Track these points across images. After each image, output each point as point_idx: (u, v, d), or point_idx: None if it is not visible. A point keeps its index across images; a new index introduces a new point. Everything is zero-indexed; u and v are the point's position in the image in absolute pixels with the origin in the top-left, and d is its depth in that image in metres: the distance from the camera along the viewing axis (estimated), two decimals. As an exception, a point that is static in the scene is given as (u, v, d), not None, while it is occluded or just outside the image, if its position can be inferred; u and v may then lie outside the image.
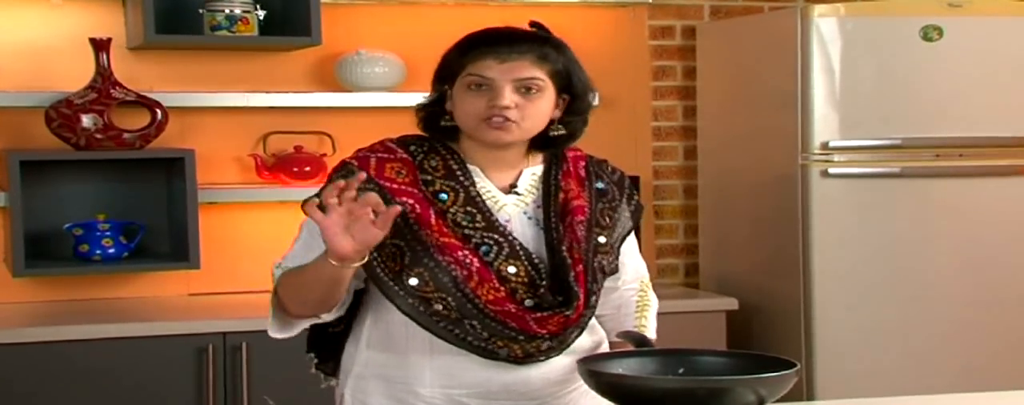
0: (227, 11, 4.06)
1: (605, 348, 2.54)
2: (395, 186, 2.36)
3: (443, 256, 2.32)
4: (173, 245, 4.16)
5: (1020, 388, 3.75)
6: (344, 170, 2.39)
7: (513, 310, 2.33)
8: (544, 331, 2.36)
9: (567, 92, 2.42)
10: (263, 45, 4.23)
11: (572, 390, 2.45)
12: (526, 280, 2.35)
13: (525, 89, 2.36)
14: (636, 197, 2.60)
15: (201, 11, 4.08)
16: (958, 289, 4.26)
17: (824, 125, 4.17)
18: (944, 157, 4.24)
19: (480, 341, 2.35)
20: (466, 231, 2.35)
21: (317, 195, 2.35)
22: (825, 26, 4.15)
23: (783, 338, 4.29)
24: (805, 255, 4.20)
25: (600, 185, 2.52)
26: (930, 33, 4.18)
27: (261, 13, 4.11)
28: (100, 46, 3.99)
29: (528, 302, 2.34)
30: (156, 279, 4.26)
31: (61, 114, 3.95)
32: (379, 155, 2.41)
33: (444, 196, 2.37)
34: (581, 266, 2.39)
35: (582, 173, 2.51)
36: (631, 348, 2.46)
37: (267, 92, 4.23)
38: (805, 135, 4.18)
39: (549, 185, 2.45)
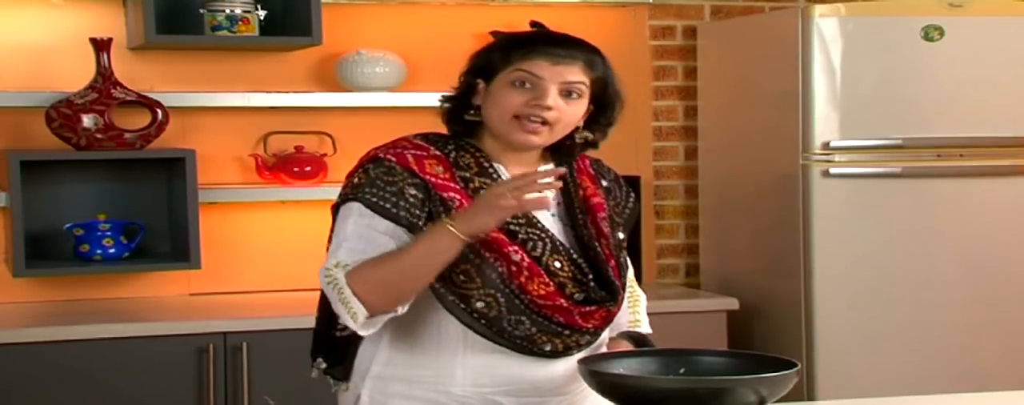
0: (228, 11, 4.06)
1: (603, 346, 2.55)
2: (438, 181, 2.36)
3: (490, 252, 2.32)
4: (173, 245, 4.16)
5: (1021, 388, 3.75)
6: (381, 166, 2.36)
7: (564, 304, 2.35)
8: (589, 325, 2.39)
9: (597, 101, 2.43)
10: (264, 45, 4.23)
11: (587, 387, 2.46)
12: (571, 275, 2.37)
13: (568, 93, 2.36)
14: (632, 198, 2.61)
15: (202, 11, 4.08)
16: (959, 289, 4.26)
17: (825, 125, 4.17)
18: (945, 157, 4.24)
19: (522, 338, 2.35)
20: (511, 227, 2.35)
21: (365, 194, 2.32)
22: (826, 26, 4.15)
23: (784, 338, 4.29)
24: (806, 255, 4.20)
25: (605, 183, 2.54)
26: (931, 33, 4.18)
27: (262, 13, 4.11)
28: (101, 46, 3.99)
29: (577, 296, 2.37)
30: (156, 279, 4.26)
31: (62, 114, 3.95)
32: (413, 151, 2.39)
33: (484, 193, 2.36)
34: (613, 261, 2.43)
35: (591, 171, 2.54)
36: (628, 347, 2.47)
37: (268, 92, 4.23)
38: (806, 135, 4.18)
39: (567, 183, 2.46)
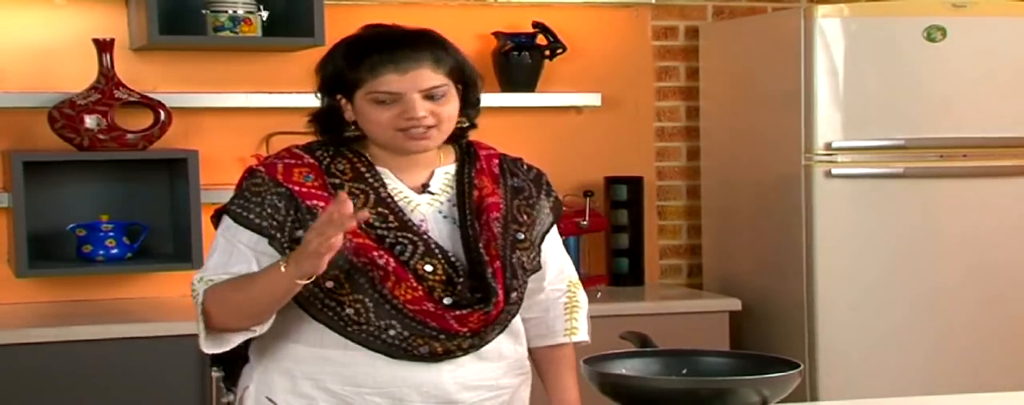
0: (230, 12, 4.06)
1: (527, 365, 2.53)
2: (304, 190, 2.37)
3: (358, 257, 2.32)
4: (176, 246, 4.16)
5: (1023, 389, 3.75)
6: (254, 177, 2.41)
7: (432, 309, 2.33)
8: (465, 329, 2.36)
9: (461, 84, 2.43)
10: (266, 46, 4.23)
11: (488, 399, 2.44)
12: (443, 278, 2.35)
13: (431, 97, 2.36)
14: (554, 193, 2.59)
15: (204, 12, 4.08)
16: (961, 290, 4.26)
17: (827, 125, 4.17)
18: (948, 158, 4.24)
19: (398, 341, 2.34)
20: (379, 232, 2.35)
21: (232, 206, 2.38)
22: (828, 26, 4.15)
23: (786, 339, 4.29)
24: (808, 256, 4.19)
25: (515, 182, 2.51)
26: (934, 33, 4.18)
27: (264, 14, 4.11)
28: (103, 47, 3.99)
29: (446, 300, 2.34)
30: (159, 280, 4.26)
31: (64, 115, 3.95)
32: (285, 161, 2.42)
33: (353, 199, 2.36)
34: (498, 263, 2.39)
35: (496, 170, 2.51)
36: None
37: (270, 93, 4.23)
38: (809, 135, 4.18)
39: (463, 183, 2.46)
